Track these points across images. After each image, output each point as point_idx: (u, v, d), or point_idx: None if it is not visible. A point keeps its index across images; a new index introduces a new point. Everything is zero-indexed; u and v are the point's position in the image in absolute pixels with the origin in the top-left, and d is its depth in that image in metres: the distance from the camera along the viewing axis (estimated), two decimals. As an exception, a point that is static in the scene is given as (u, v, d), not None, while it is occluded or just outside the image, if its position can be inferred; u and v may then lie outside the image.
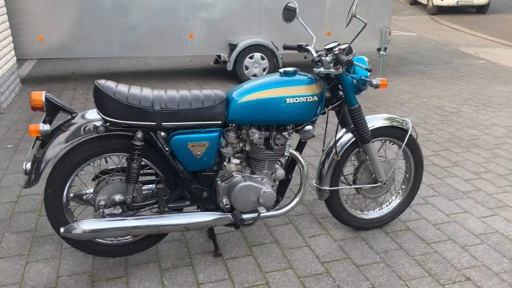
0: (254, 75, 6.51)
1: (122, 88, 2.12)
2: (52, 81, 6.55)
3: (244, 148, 2.32)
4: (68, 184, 2.19)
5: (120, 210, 2.23)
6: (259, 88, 2.23)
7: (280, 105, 2.21)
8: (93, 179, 2.35)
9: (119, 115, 2.07)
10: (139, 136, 2.11)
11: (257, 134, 2.26)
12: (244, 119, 2.22)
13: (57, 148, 2.09)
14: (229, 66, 6.43)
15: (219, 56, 7.16)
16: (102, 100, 2.06)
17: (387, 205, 2.80)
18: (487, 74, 7.39)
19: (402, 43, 10.52)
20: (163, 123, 2.11)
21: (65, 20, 6.01)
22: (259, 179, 2.35)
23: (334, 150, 2.50)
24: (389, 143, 2.71)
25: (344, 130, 2.56)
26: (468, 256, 2.51)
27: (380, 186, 2.61)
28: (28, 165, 2.11)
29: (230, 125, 2.29)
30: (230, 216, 2.31)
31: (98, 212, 2.22)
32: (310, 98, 2.26)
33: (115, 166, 2.35)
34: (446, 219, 2.90)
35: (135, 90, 2.14)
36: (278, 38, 6.59)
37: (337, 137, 2.51)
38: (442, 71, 7.63)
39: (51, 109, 2.07)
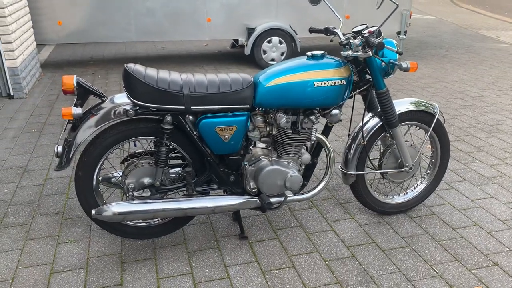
0: (272, 60, 6.47)
1: (151, 72, 2.12)
2: (71, 66, 6.60)
3: (271, 132, 2.32)
4: (98, 167, 2.22)
5: (149, 193, 2.26)
6: (287, 72, 2.22)
7: (307, 89, 2.20)
8: (122, 162, 2.38)
9: (149, 99, 2.08)
10: (168, 119, 2.13)
11: (284, 118, 2.26)
12: (271, 103, 2.22)
13: (87, 132, 2.11)
14: (247, 51, 6.39)
15: (236, 41, 7.11)
16: (132, 84, 2.07)
17: (412, 190, 2.79)
18: (510, 58, 7.23)
19: (422, 26, 10.34)
20: (192, 107, 2.12)
21: (83, 4, 6.02)
22: (286, 163, 2.35)
23: (360, 135, 2.49)
24: (416, 127, 2.68)
25: (370, 114, 2.54)
26: (495, 242, 2.50)
27: (406, 171, 2.60)
28: (60, 148, 2.14)
29: (257, 109, 2.29)
30: (257, 199, 2.32)
31: (127, 195, 2.25)
32: (338, 82, 2.24)
33: (144, 150, 2.37)
34: (471, 204, 2.88)
35: (164, 74, 2.14)
36: (296, 22, 6.53)
37: (364, 122, 2.50)
38: (463, 55, 7.50)
39: (82, 93, 2.09)
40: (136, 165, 2.26)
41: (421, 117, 2.58)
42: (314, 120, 2.29)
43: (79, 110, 2.04)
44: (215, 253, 2.39)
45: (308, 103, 2.23)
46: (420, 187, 2.78)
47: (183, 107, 2.11)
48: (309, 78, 2.20)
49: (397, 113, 2.50)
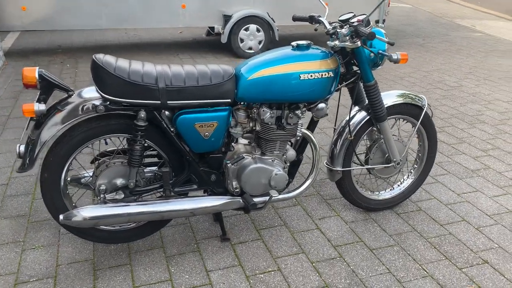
0: (250, 48, 6.29)
1: (123, 63, 1.94)
2: (37, 55, 6.26)
3: (254, 128, 2.17)
4: (66, 168, 2.03)
5: (123, 195, 2.09)
6: (271, 63, 2.07)
7: (293, 82, 2.06)
8: (92, 162, 2.20)
9: (120, 93, 1.90)
10: (142, 116, 1.95)
11: (268, 113, 2.11)
12: (254, 97, 2.07)
13: (53, 129, 1.92)
14: (224, 39, 6.19)
15: (211, 28, 6.89)
16: (102, 77, 1.88)
17: (398, 186, 2.70)
18: (485, 47, 7.27)
19: (398, 15, 10.32)
20: (168, 102, 1.95)
21: (49, -11, 5.69)
22: (270, 160, 2.22)
23: (347, 130, 2.37)
24: (403, 121, 2.58)
25: (356, 108, 2.42)
26: (484, 238, 2.43)
27: (394, 166, 2.50)
28: (22, 148, 1.95)
29: (240, 103, 2.14)
30: (240, 200, 2.18)
31: (99, 198, 2.08)
32: (325, 74, 2.11)
33: (116, 148, 2.19)
34: (457, 198, 2.82)
35: (137, 65, 1.96)
36: (274, 9, 6.36)
37: (350, 116, 2.38)
38: (440, 44, 7.49)
39: (46, 87, 1.89)
40: (108, 165, 2.08)
41: (408, 110, 2.48)
42: (300, 115, 2.15)
43: (42, 106, 1.84)
44: (196, 257, 2.24)
45: (294, 96, 2.09)
46: (407, 182, 2.69)
47: (159, 102, 1.94)
48: (294, 70, 2.06)
49: (385, 106, 2.39)
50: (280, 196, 2.26)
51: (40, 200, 2.67)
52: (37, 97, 1.88)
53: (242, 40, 6.25)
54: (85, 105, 1.92)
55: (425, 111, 2.48)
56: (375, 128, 2.44)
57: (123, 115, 2.01)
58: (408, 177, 2.71)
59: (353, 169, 2.47)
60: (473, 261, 2.26)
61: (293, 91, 2.07)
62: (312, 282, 2.10)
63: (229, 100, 2.05)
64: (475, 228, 2.52)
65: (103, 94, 1.90)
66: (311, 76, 2.08)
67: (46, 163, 1.99)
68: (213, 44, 7.14)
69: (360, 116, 2.39)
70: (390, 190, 2.68)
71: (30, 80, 1.84)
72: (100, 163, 2.11)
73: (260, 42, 6.32)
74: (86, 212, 1.96)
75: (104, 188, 2.08)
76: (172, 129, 2.03)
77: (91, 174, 2.18)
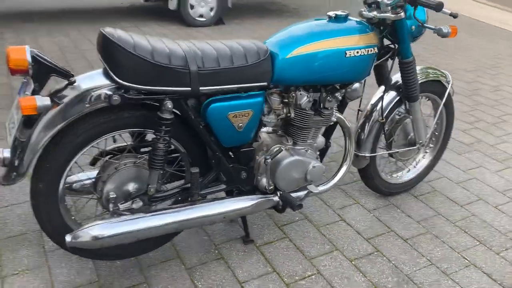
0: (201, 16, 5.80)
1: (141, 40, 1.52)
2: None
3: (289, 114, 1.86)
4: (65, 174, 1.59)
5: (141, 204, 1.70)
6: (311, 38, 1.75)
7: (338, 60, 1.77)
8: (93, 163, 1.76)
9: (143, 79, 1.49)
10: (168, 106, 1.56)
11: (305, 97, 1.82)
12: (293, 78, 1.75)
13: (51, 128, 1.47)
14: (172, 5, 5.63)
15: (152, -7, 6.25)
16: (117, 58, 1.45)
17: (414, 167, 2.55)
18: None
19: None
20: (200, 88, 1.57)
21: None
22: (304, 151, 1.93)
23: (376, 112, 2.15)
24: (426, 99, 2.41)
25: (382, 87, 2.20)
26: (506, 217, 2.38)
27: (418, 148, 2.34)
28: (7, 153, 1.48)
29: (274, 86, 1.81)
30: (275, 198, 1.89)
31: (109, 209, 1.67)
32: (370, 50, 1.84)
33: (117, 145, 1.77)
34: (465, 175, 2.75)
35: (158, 42, 1.55)
36: (225, -27, 5.88)
37: (379, 96, 2.15)
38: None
39: (40, 73, 1.42)
40: (118, 167, 1.67)
41: (433, 87, 2.31)
42: (339, 97, 1.88)
43: (46, 101, 1.38)
44: (221, 266, 1.93)
45: (336, 76, 1.81)
46: (423, 162, 2.55)
47: (189, 88, 1.56)
48: (339, 46, 1.77)
49: (411, 83, 2.19)
50: (319, 189, 2.00)
51: (11, 208, 2.17)
52: (31, 87, 1.41)
53: (192, 7, 5.73)
54: (93, 94, 1.49)
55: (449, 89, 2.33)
56: (402, 109, 2.24)
57: (139, 106, 1.60)
58: (423, 157, 2.57)
59: (381, 154, 2.27)
60: (507, 243, 2.19)
61: (337, 70, 1.79)
62: (359, 284, 1.89)
63: (265, 83, 1.71)
64: (493, 207, 2.46)
65: (119, 80, 1.47)
66: (357, 52, 1.80)
67: (40, 171, 1.54)
68: (156, 10, 6.51)
69: (390, 96, 2.18)
70: (408, 172, 2.53)
71: (19, 64, 1.37)
72: (106, 165, 1.69)
73: (211, 10, 5.84)
74: (101, 229, 1.56)
75: (115, 196, 1.67)
76: (201, 122, 1.66)
77: (92, 177, 1.75)
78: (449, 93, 2.37)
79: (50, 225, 1.62)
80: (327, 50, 1.75)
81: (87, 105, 1.49)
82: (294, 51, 1.72)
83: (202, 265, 1.93)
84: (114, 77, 1.47)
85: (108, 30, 1.49)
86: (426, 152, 2.58)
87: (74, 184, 1.76)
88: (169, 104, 1.56)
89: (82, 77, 1.53)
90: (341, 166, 2.14)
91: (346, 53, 1.78)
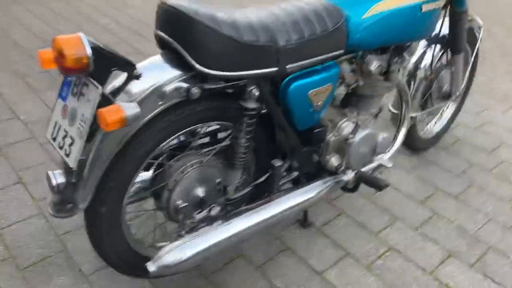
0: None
1: (219, 13, 1.18)
2: None
3: (357, 84, 1.64)
4: (128, 192, 1.27)
5: (219, 209, 1.42)
6: (384, -6, 1.51)
7: (415, 15, 1.55)
8: (146, 168, 1.43)
9: (228, 63, 1.17)
10: (255, 93, 1.27)
11: (375, 61, 1.59)
12: (368, 41, 1.51)
13: (120, 136, 1.13)
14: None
15: None
16: (201, 39, 1.12)
17: (439, 119, 2.47)
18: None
19: None
20: (287, 67, 1.29)
21: None
22: (372, 122, 1.74)
23: (422, 69, 1.99)
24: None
25: (423, 42, 2.03)
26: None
27: (452, 99, 2.25)
28: (61, 178, 1.12)
29: (349, 53, 1.56)
30: (346, 177, 1.69)
31: (182, 220, 1.38)
32: (439, 4, 1.64)
33: (175, 143, 1.45)
34: (479, 119, 2.75)
35: (235, 13, 1.22)
36: None
37: (422, 51, 1.99)
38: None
39: (102, 68, 1.05)
40: (184, 171, 1.37)
41: (467, 35, 2.18)
42: (408, 58, 1.69)
43: (135, 108, 1.02)
44: (292, 258, 1.74)
45: (410, 34, 1.60)
46: (448, 113, 2.48)
47: (275, 68, 1.27)
48: (415, 0, 1.54)
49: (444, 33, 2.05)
50: (391, 164, 1.84)
51: (11, 229, 1.77)
52: (97, 86, 1.04)
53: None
54: (166, 89, 1.15)
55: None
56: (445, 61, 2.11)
57: (213, 96, 1.28)
58: (447, 108, 2.49)
59: (427, 111, 2.14)
60: (544, 186, 2.22)
61: (412, 27, 1.58)
62: (435, 253, 1.81)
63: (341, 50, 1.46)
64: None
65: (201, 68, 1.15)
66: (431, 6, 1.59)
67: (101, 192, 1.20)
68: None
69: (435, 50, 2.02)
70: (434, 124, 2.45)
71: (76, 62, 0.99)
72: (166, 170, 1.38)
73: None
74: (186, 249, 1.28)
75: (185, 205, 1.38)
76: (279, 105, 1.39)
77: (147, 183, 1.43)
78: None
79: (116, 254, 1.31)
80: (405, 6, 1.52)
81: (159, 103, 1.15)
82: (370, 9, 1.47)
83: (271, 261, 1.72)
84: (194, 64, 1.14)
85: (174, 1, 1.14)
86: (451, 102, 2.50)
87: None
88: (255, 91, 1.26)
89: (142, 67, 1.18)
90: (398, 131, 1.98)
91: (422, 8, 1.56)
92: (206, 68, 1.15)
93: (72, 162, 1.06)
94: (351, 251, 1.79)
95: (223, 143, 1.41)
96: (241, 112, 1.29)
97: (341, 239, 1.84)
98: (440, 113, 2.49)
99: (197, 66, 1.14)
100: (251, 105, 1.28)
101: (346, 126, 1.65)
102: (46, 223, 1.80)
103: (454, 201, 2.09)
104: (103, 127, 0.97)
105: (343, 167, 1.68)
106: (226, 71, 1.18)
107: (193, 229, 1.38)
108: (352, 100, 1.71)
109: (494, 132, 2.63)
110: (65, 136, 1.10)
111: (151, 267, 1.24)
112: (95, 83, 1.03)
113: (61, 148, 1.11)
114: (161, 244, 1.50)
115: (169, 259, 1.26)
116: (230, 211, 1.47)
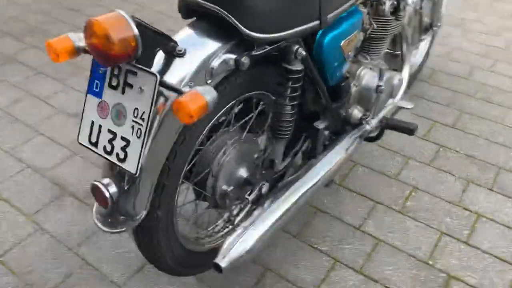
0: None
1: None
2: None
3: (372, 27, 1.55)
4: (179, 187, 1.11)
5: (268, 186, 1.31)
6: None
7: None
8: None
9: (276, 23, 1.03)
10: (302, 52, 1.13)
11: (389, 1, 1.51)
12: (383, -21, 1.42)
13: (176, 126, 0.96)
14: None
15: None
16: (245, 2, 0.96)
17: (417, 52, 2.47)
18: None
19: None
20: (328, 17, 1.17)
21: None
22: (385, 65, 1.68)
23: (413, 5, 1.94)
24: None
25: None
26: (503, 77, 2.52)
27: (433, 30, 2.25)
28: (113, 187, 0.95)
29: (364, -5, 1.45)
30: (371, 126, 1.63)
31: (229, 205, 1.25)
32: None
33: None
34: (444, 47, 2.80)
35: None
36: None
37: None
38: None
39: (148, 49, 0.87)
40: (227, 151, 1.22)
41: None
42: None
43: (212, 92, 0.83)
44: (325, 219, 1.68)
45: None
46: (426, 44, 2.48)
47: (317, 21, 1.14)
48: None
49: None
50: (411, 105, 1.79)
51: (15, 250, 1.54)
52: (157, 77, 0.85)
53: None
54: (215, 64, 0.99)
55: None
56: None
57: (256, 63, 1.13)
58: (425, 39, 2.49)
59: (415, 47, 2.12)
60: (524, 101, 2.33)
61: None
62: (454, 184, 1.84)
63: (364, -8, 1.36)
64: (489, 71, 2.57)
65: (250, 33, 0.99)
66: None
67: (157, 194, 1.04)
68: None
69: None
70: (414, 57, 2.45)
71: (125, 46, 0.80)
72: (204, 155, 1.23)
73: None
74: (249, 237, 1.17)
75: (232, 189, 1.25)
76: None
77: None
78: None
79: (172, 258, 1.17)
80: None
81: (209, 81, 0.99)
82: None
83: (307, 227, 1.66)
84: (243, 29, 0.98)
85: None
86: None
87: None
88: (301, 50, 1.13)
89: (180, 42, 0.99)
90: (402, 71, 1.94)
91: None
92: (255, 32, 0.99)
93: (132, 168, 0.89)
94: (378, 199, 1.77)
95: (253, 115, 1.27)
96: (284, 77, 1.16)
97: (365, 189, 1.81)
98: (418, 46, 2.49)
99: (246, 31, 0.98)
100: (297, 66, 1.15)
101: (365, 74, 1.58)
102: (50, 239, 1.59)
103: (453, 130, 2.13)
104: (185, 119, 0.80)
105: (369, 117, 1.62)
106: (273, 32, 1.03)
107: (241, 212, 1.26)
108: (364, 46, 1.62)
109: (463, 58, 2.70)
110: (112, 139, 0.91)
111: (222, 263, 1.12)
112: (147, 69, 0.85)
113: (109, 153, 0.92)
114: (206, 234, 1.38)
115: (237, 251, 1.14)
116: (276, 186, 1.36)
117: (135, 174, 0.89)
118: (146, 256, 1.15)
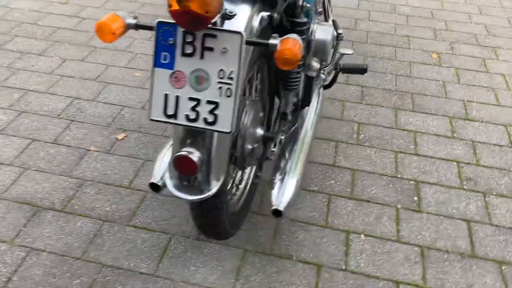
0: None
1: None
2: None
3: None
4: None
5: (283, 137, 1.42)
6: None
7: None
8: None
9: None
10: (307, 5, 1.28)
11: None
12: None
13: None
14: None
15: None
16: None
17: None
18: None
19: None
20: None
21: None
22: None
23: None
24: None
25: None
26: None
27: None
28: (196, 154, 0.98)
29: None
30: (328, 74, 1.84)
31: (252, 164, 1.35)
32: None
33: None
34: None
35: None
36: None
37: None
38: None
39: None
40: (246, 109, 1.30)
41: None
42: None
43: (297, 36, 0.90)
44: (319, 166, 1.85)
45: None
46: None
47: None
48: None
49: None
50: (351, 50, 2.00)
51: (15, 278, 1.39)
52: (242, 34, 0.89)
53: None
54: (255, 23, 1.06)
55: None
56: None
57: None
58: None
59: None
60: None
61: None
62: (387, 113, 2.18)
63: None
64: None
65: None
66: None
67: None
68: None
69: None
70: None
71: (217, 8, 0.84)
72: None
73: None
74: (292, 177, 1.31)
75: (256, 146, 1.34)
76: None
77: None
78: None
79: (229, 222, 1.23)
80: None
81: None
82: None
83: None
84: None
85: None
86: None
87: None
88: (306, 2, 1.26)
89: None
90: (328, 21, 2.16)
91: None
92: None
93: (226, 127, 0.93)
94: (337, 138, 2.01)
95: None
96: (291, 30, 1.28)
97: (324, 133, 2.03)
98: None
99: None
100: (303, 19, 1.28)
101: (321, 27, 1.75)
102: (50, 255, 1.46)
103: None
104: (287, 65, 0.87)
105: (327, 66, 1.81)
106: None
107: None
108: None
109: (350, 14, 3.08)
110: (196, 105, 0.93)
111: (280, 207, 1.22)
112: (229, 29, 0.90)
113: (193, 120, 0.94)
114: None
115: (288, 194, 1.25)
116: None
117: (230, 132, 0.93)
118: (206, 223, 1.18)
